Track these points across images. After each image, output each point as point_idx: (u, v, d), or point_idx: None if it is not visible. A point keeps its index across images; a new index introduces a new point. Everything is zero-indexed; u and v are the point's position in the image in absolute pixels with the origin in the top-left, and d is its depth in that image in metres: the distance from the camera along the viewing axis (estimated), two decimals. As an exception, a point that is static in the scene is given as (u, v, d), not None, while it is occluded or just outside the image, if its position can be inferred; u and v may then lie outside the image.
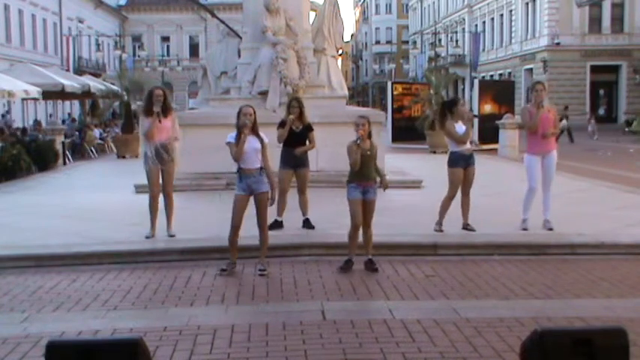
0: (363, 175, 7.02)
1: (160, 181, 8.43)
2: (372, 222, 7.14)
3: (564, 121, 29.78)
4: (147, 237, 8.28)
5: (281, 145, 8.73)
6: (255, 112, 7.04)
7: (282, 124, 8.68)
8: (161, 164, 8.33)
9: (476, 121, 22.66)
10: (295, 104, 8.77)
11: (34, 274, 7.14)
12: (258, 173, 6.97)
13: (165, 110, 8.29)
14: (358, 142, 6.88)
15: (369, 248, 7.20)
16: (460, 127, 8.45)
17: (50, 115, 35.47)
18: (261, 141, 6.93)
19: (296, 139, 8.67)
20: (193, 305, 6.01)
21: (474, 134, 22.77)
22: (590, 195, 11.88)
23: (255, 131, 6.95)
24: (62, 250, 7.83)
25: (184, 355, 4.74)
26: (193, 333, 5.18)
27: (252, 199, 7.05)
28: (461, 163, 8.49)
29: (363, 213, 7.03)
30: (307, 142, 8.78)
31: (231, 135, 6.99)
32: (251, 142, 6.90)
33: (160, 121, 8.16)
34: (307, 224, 8.68)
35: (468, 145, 8.55)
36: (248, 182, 6.95)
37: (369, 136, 7.09)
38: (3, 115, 32.42)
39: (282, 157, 8.75)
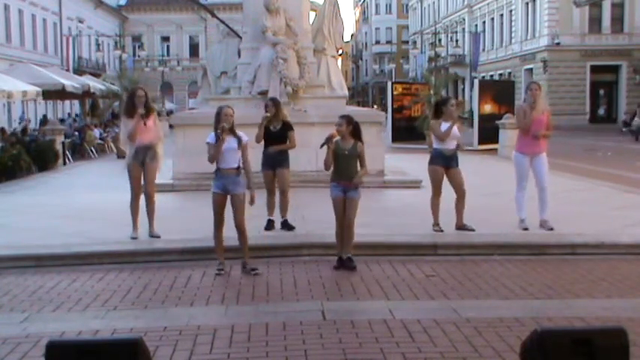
0: (342, 174, 7.08)
1: (142, 181, 8.37)
2: (353, 221, 7.11)
3: (637, 119, 29.72)
4: (132, 238, 8.21)
5: (262, 145, 8.72)
6: (234, 112, 7.03)
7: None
8: (142, 165, 8.27)
9: (475, 121, 22.81)
10: (271, 103, 8.84)
11: (34, 274, 7.14)
12: (235, 174, 6.97)
13: (148, 111, 8.21)
14: (326, 142, 6.96)
15: (348, 247, 7.17)
16: (444, 126, 8.47)
17: (77, 115, 35.31)
18: (239, 140, 6.91)
19: (274, 138, 8.69)
20: (193, 305, 6.01)
21: (474, 134, 22.93)
22: (590, 195, 11.87)
23: (232, 131, 6.93)
24: (62, 250, 7.83)
25: (184, 355, 4.74)
26: (193, 333, 5.17)
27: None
28: (439, 162, 8.48)
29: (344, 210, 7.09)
30: (288, 142, 8.78)
31: (211, 135, 6.98)
32: (229, 142, 6.89)
33: (145, 123, 8.10)
34: (286, 225, 8.64)
35: (450, 146, 8.52)
36: (224, 182, 6.97)
37: (355, 136, 7.12)
38: (22, 119, 32.40)
39: (263, 158, 8.77)
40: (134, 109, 8.13)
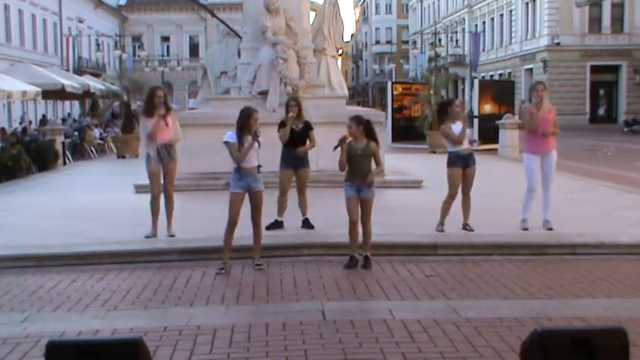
0: (356, 173, 7.14)
1: (162, 180, 8.43)
2: (369, 221, 7.20)
3: None
4: (147, 237, 8.25)
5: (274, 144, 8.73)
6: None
7: (282, 125, 8.67)
8: (163, 164, 8.32)
9: (476, 120, 22.82)
10: (293, 103, 8.77)
11: (34, 274, 7.14)
12: (256, 172, 7.13)
13: (167, 110, 8.30)
14: (339, 144, 7.08)
15: (367, 246, 7.27)
16: (457, 127, 8.48)
17: (80, 115, 35.21)
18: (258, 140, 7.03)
19: (297, 138, 8.64)
20: (193, 305, 6.01)
21: (474, 134, 22.89)
22: (590, 195, 11.87)
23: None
24: (62, 250, 7.83)
25: (184, 355, 4.74)
26: (193, 333, 5.18)
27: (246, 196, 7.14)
28: (459, 163, 8.50)
29: (360, 211, 7.14)
30: (307, 141, 8.77)
31: (230, 135, 7.05)
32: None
33: (166, 123, 8.17)
34: (306, 224, 8.67)
35: (465, 145, 8.56)
36: (247, 180, 7.07)
37: (369, 135, 7.18)
38: (23, 119, 32.39)
39: (283, 157, 8.72)
40: (153, 108, 8.19)
